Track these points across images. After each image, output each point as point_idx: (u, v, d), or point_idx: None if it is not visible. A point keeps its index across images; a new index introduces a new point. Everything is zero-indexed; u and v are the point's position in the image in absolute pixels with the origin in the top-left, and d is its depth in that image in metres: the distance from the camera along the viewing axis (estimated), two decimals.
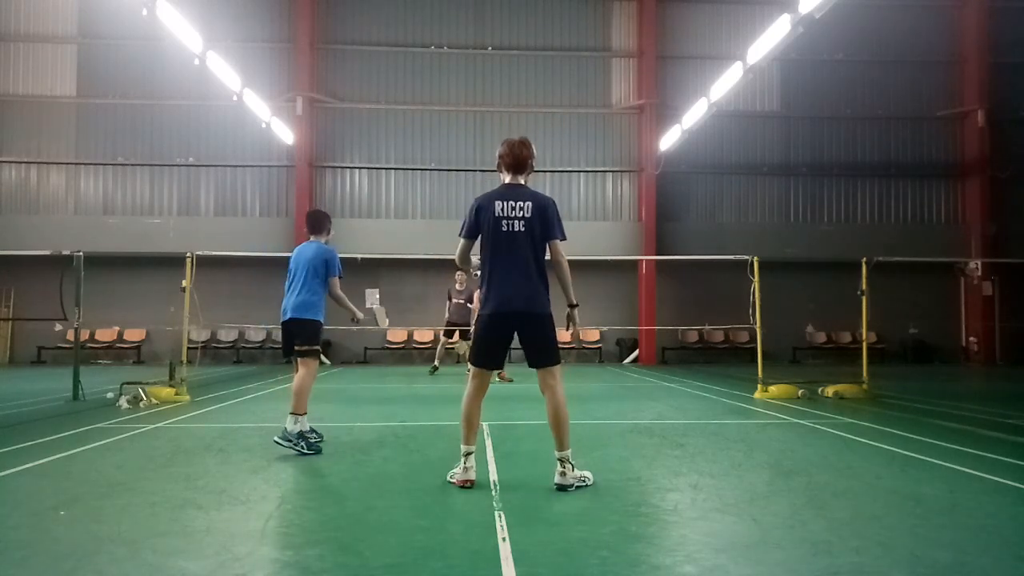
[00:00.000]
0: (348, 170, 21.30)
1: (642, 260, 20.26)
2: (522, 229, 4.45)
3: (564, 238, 4.57)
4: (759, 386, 10.32)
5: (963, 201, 22.05)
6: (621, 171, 21.54)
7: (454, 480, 4.56)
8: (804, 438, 6.69)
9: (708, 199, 21.82)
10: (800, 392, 10.07)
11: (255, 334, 20.69)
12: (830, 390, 10.10)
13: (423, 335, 20.66)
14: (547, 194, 4.81)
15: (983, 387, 14.21)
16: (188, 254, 10.17)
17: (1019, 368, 18.82)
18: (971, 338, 21.50)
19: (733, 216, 21.79)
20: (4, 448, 5.89)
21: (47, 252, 11.87)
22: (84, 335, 17.92)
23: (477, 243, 4.69)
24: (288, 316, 6.05)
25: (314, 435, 6.02)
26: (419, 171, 21.32)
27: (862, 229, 21.67)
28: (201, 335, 17.99)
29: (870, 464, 5.37)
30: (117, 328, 20.54)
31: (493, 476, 4.79)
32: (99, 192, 20.89)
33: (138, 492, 4.40)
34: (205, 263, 11.01)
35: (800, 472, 5.02)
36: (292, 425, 5.73)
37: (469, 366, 4.73)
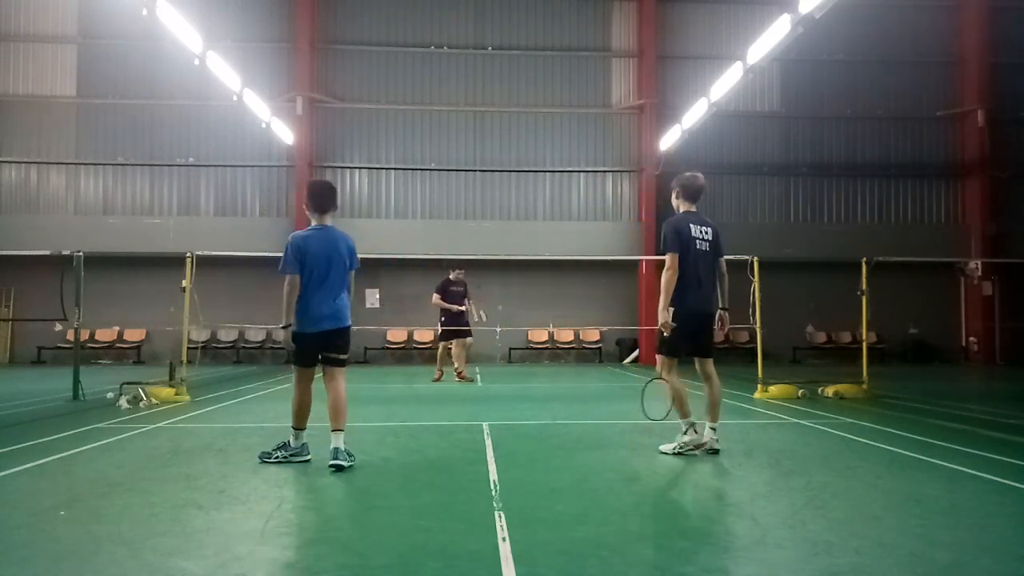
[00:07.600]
0: (348, 170, 21.30)
1: (642, 260, 20.25)
2: (707, 249, 5.74)
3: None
4: (759, 386, 10.31)
5: (963, 201, 22.04)
6: (621, 171, 21.53)
7: (689, 445, 5.59)
8: (804, 438, 6.69)
9: (708, 199, 21.46)
10: (800, 392, 10.07)
11: (255, 334, 20.68)
12: (830, 390, 10.10)
13: (423, 335, 20.66)
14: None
15: (983, 387, 14.20)
16: (188, 254, 10.17)
17: (1019, 368, 18.80)
18: (971, 338, 21.49)
19: (733, 216, 21.75)
20: (4, 448, 5.88)
21: (47, 252, 11.88)
22: (84, 335, 17.90)
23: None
24: (335, 325, 5.20)
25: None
26: (419, 171, 21.33)
27: (862, 229, 21.65)
28: (201, 335, 18.00)
29: (870, 464, 5.37)
30: (117, 328, 20.54)
31: (493, 476, 4.79)
32: (99, 192, 20.89)
33: (138, 492, 4.40)
34: (205, 263, 11.01)
35: (800, 472, 5.02)
36: (341, 442, 5.04)
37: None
